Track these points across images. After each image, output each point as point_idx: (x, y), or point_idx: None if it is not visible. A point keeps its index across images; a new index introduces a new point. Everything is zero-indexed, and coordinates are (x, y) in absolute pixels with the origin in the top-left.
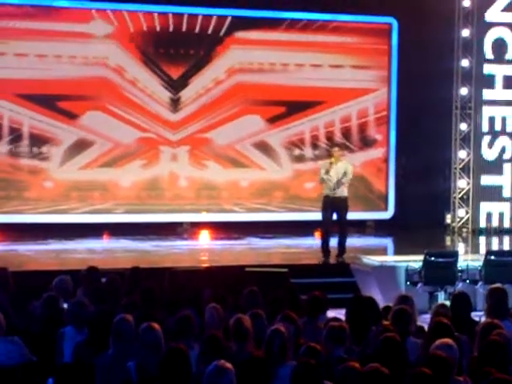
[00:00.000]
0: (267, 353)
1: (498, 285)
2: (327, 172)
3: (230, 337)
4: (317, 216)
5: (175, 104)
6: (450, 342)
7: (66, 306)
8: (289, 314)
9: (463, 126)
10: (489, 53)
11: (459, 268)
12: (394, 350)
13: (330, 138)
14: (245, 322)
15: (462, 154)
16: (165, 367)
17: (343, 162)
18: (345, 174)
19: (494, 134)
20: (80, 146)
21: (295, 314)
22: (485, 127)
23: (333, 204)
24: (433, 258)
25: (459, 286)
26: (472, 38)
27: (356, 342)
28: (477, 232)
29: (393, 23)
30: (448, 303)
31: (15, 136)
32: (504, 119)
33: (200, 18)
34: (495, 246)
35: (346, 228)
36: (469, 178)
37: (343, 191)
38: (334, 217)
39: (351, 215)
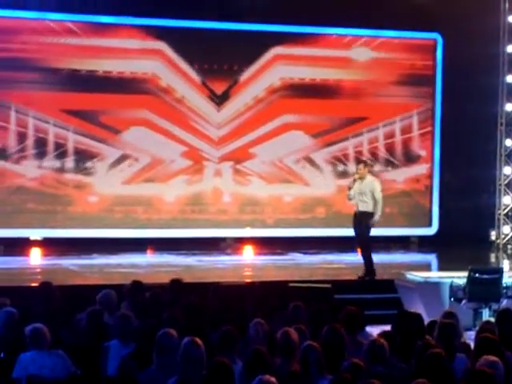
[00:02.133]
0: (304, 368)
1: None
2: (349, 189)
3: (276, 350)
4: None
5: (219, 119)
6: (496, 358)
7: (109, 319)
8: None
9: (508, 142)
10: None
11: (504, 285)
12: (440, 366)
13: (374, 153)
14: (292, 336)
15: (507, 170)
16: (209, 381)
17: (369, 179)
18: (370, 191)
19: None
20: (124, 161)
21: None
22: None
23: (355, 219)
24: (477, 275)
25: (504, 302)
26: None
27: (402, 358)
28: None
29: (438, 39)
30: (493, 320)
31: (60, 151)
32: None
33: (244, 33)
34: None
35: (364, 245)
36: None
37: (365, 207)
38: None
39: (395, 231)
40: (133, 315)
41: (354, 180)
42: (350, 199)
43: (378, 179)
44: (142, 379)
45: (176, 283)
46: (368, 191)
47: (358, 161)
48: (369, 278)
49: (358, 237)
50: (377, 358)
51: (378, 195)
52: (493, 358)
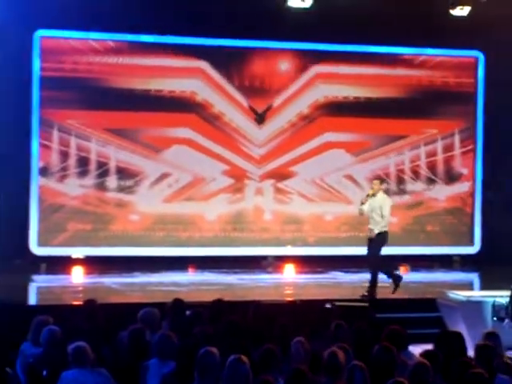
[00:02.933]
0: None
1: None
2: (361, 203)
3: (322, 370)
4: (401, 250)
5: (260, 137)
6: None
7: (151, 337)
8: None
9: None
10: None
11: None
12: None
13: (415, 171)
14: (339, 356)
15: None
16: None
17: (381, 196)
18: (380, 208)
19: None
20: (165, 180)
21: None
22: None
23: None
24: None
25: None
26: None
27: (445, 377)
28: None
29: (479, 56)
30: None
31: (102, 170)
32: None
33: (287, 51)
34: None
35: (372, 263)
36: None
37: (373, 224)
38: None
39: (437, 250)
40: (173, 334)
41: (368, 195)
42: (360, 214)
43: (390, 198)
44: None
45: (217, 302)
46: (377, 207)
47: (375, 178)
48: (367, 297)
49: (368, 255)
50: (421, 379)
51: (386, 212)
52: None
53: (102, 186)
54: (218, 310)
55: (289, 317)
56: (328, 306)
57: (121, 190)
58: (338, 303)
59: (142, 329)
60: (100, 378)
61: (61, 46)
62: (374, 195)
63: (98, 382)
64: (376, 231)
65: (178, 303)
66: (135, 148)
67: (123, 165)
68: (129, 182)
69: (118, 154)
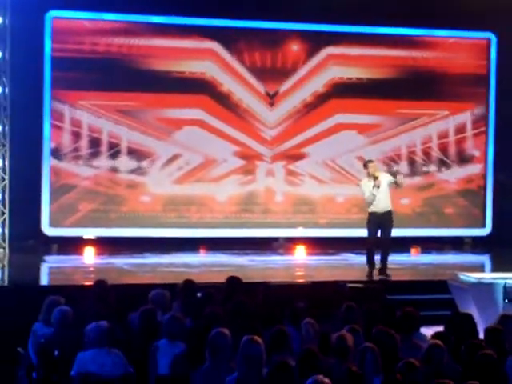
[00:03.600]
0: (360, 368)
1: None
2: (378, 187)
3: (330, 352)
4: (412, 232)
5: (271, 119)
6: None
7: (162, 318)
8: (385, 330)
9: None
10: None
11: None
12: (491, 367)
13: (427, 153)
14: (347, 340)
15: None
16: (271, 381)
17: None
18: (391, 181)
19: None
20: (176, 161)
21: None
22: None
23: (381, 220)
24: None
25: None
26: None
27: (455, 359)
28: None
29: (491, 38)
30: None
31: (114, 151)
32: None
33: (298, 33)
34: None
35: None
36: None
37: (389, 205)
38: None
39: (449, 231)
40: (182, 315)
41: (377, 177)
42: (372, 200)
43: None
44: (196, 378)
45: (232, 281)
46: (391, 182)
47: (367, 160)
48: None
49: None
50: (436, 360)
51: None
52: None
53: (113, 167)
54: (233, 288)
55: (299, 298)
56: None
57: (132, 171)
58: (349, 285)
59: (153, 310)
60: (116, 359)
61: (73, 27)
62: (376, 178)
63: (115, 363)
64: (389, 209)
65: (188, 284)
66: (146, 129)
67: (135, 146)
68: (140, 163)
69: (129, 135)
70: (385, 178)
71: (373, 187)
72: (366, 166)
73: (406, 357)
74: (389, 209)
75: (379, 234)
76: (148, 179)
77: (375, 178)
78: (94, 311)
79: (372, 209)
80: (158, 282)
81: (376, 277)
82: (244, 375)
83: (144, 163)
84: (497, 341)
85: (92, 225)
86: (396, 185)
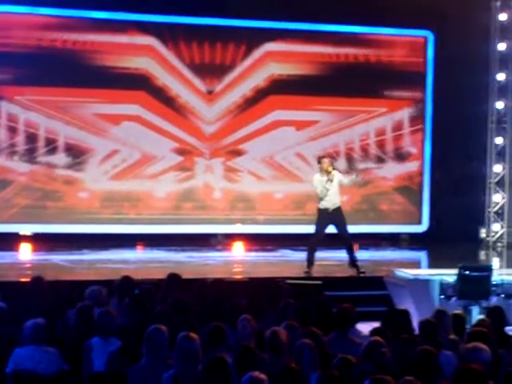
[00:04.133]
0: (297, 364)
1: None
2: (331, 181)
3: (265, 348)
4: (350, 229)
5: (210, 115)
6: (482, 345)
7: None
8: (311, 330)
9: (499, 140)
10: None
11: (493, 282)
12: (426, 362)
13: (365, 150)
14: (280, 335)
15: (498, 168)
16: (206, 378)
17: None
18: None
19: None
20: (114, 157)
21: (325, 326)
22: None
23: (333, 217)
24: (467, 272)
25: (493, 300)
26: (509, 52)
27: (393, 355)
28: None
29: (429, 36)
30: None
31: (52, 147)
32: None
33: (236, 29)
34: None
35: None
36: (504, 192)
37: (339, 201)
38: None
39: (385, 228)
40: (113, 310)
41: (330, 172)
42: (324, 195)
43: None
44: (132, 375)
45: (172, 277)
46: (340, 180)
47: (321, 156)
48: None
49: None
50: (376, 356)
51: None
52: (479, 344)
53: (50, 163)
54: (172, 285)
55: (237, 294)
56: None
57: (70, 166)
58: (288, 281)
59: (90, 306)
60: (52, 356)
61: (9, 21)
62: (329, 173)
63: (50, 360)
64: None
65: (126, 281)
66: (84, 125)
67: (72, 141)
68: (78, 159)
69: (67, 131)
70: (336, 175)
71: (326, 181)
72: (319, 161)
73: (342, 353)
74: (339, 205)
75: (336, 232)
76: (85, 175)
77: (328, 173)
78: (30, 308)
79: (324, 204)
80: (96, 278)
81: (315, 274)
82: (181, 371)
83: (81, 159)
84: (431, 334)
85: (28, 221)
86: (351, 183)
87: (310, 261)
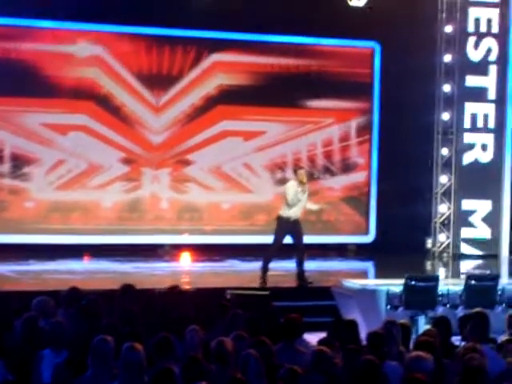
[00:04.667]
0: (243, 374)
1: (478, 309)
2: (304, 192)
3: (212, 359)
4: None
5: (157, 125)
6: (425, 354)
7: (46, 325)
8: (261, 340)
9: (444, 151)
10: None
11: (440, 292)
12: (371, 372)
13: (312, 160)
14: (226, 345)
15: (443, 179)
16: None
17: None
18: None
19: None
20: (61, 167)
21: (273, 336)
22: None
23: (293, 227)
24: (413, 282)
25: (440, 310)
26: (454, 64)
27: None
28: (457, 257)
29: (375, 47)
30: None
31: None
32: (485, 146)
33: (182, 40)
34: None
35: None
36: (450, 202)
37: (300, 214)
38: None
39: (332, 239)
40: (65, 322)
41: (305, 183)
42: (294, 204)
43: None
44: None
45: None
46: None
47: (297, 166)
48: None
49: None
50: (321, 367)
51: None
52: (421, 353)
53: None
54: (122, 295)
55: (185, 305)
56: (228, 296)
57: (16, 176)
58: (236, 292)
59: (36, 317)
60: None
61: None
62: (304, 184)
63: None
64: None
65: (73, 291)
66: (30, 134)
67: (18, 151)
68: (24, 169)
69: (13, 140)
70: (307, 191)
71: (300, 191)
72: (295, 172)
73: (288, 363)
74: (299, 217)
75: (292, 242)
76: (32, 185)
77: (303, 185)
78: None
79: (288, 213)
80: (42, 288)
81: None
82: (125, 382)
83: (28, 169)
84: (378, 345)
85: None
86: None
87: (265, 270)
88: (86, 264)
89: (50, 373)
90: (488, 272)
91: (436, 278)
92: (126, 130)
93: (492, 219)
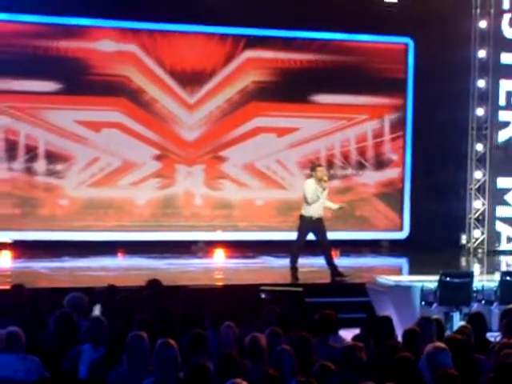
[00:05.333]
0: (277, 370)
1: None
2: (324, 189)
3: (246, 355)
4: (332, 235)
5: (191, 122)
6: (442, 345)
7: (79, 322)
8: (302, 335)
9: (479, 147)
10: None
11: (474, 288)
12: (408, 369)
13: (346, 156)
14: (260, 341)
15: (478, 174)
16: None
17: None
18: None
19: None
20: (95, 164)
21: (307, 333)
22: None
23: (316, 225)
24: (448, 279)
25: (474, 306)
26: (488, 59)
27: (374, 361)
28: (492, 253)
29: (409, 43)
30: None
31: (31, 154)
32: None
33: (216, 37)
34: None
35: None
36: (484, 198)
37: (322, 212)
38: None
39: (366, 235)
40: (104, 319)
41: (325, 181)
42: (314, 202)
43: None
44: (111, 381)
45: (153, 283)
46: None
47: (315, 164)
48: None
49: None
50: (353, 363)
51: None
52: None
53: (30, 170)
54: (154, 291)
55: (219, 301)
56: (263, 295)
57: (50, 174)
58: (270, 288)
59: (69, 313)
60: (31, 364)
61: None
62: (325, 181)
63: (29, 369)
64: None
65: (110, 289)
66: (65, 132)
67: (53, 148)
68: (58, 166)
69: (47, 138)
70: (327, 188)
71: (319, 189)
72: (314, 169)
73: (322, 359)
74: (322, 215)
75: (315, 239)
76: (66, 182)
77: (324, 182)
78: (10, 316)
79: (309, 211)
80: (76, 285)
81: (335, 279)
82: (161, 378)
83: (62, 166)
84: (413, 342)
85: (9, 228)
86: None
87: (294, 267)
88: (119, 261)
89: (86, 368)
90: None
91: (471, 274)
92: (159, 127)
93: None
